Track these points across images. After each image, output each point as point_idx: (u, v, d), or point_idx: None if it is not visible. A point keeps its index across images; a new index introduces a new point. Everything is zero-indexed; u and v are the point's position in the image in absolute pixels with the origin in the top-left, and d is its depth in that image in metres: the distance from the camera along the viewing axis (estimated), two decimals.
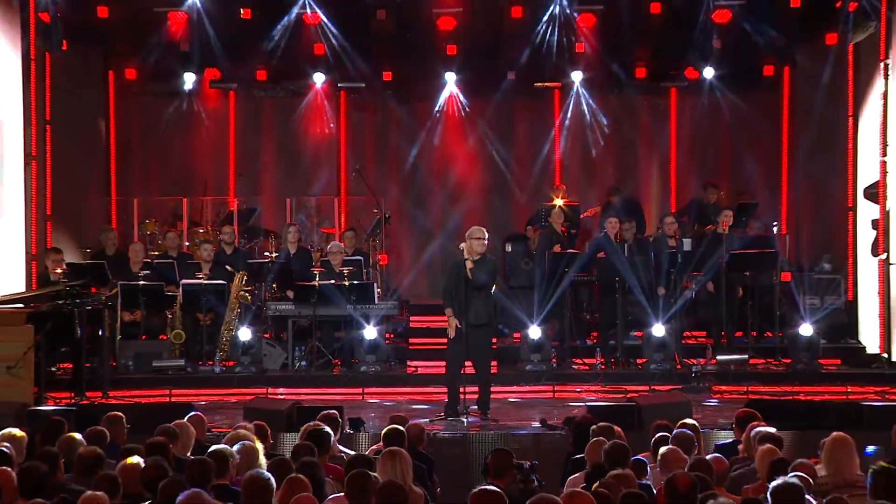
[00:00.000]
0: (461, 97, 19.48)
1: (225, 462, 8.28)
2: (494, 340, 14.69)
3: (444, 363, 13.63)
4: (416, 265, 19.27)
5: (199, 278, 15.92)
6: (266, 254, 16.89)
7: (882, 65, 16.12)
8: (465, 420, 12.99)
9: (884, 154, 16.06)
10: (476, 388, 13.37)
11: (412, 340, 16.78)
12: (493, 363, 14.20)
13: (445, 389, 13.51)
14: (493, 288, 13.56)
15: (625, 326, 16.02)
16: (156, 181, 19.86)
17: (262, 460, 8.81)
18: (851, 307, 16.88)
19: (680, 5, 17.06)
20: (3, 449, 8.69)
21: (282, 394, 14.62)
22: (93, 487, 7.32)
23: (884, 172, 16.04)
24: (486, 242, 13.25)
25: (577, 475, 8.83)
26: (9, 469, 7.83)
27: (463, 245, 13.15)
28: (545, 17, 17.50)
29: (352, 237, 17.41)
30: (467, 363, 13.35)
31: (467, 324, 13.13)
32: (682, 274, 15.97)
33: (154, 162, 20.04)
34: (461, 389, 13.26)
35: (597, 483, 7.70)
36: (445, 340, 13.51)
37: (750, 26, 17.41)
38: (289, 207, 19.14)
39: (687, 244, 16.55)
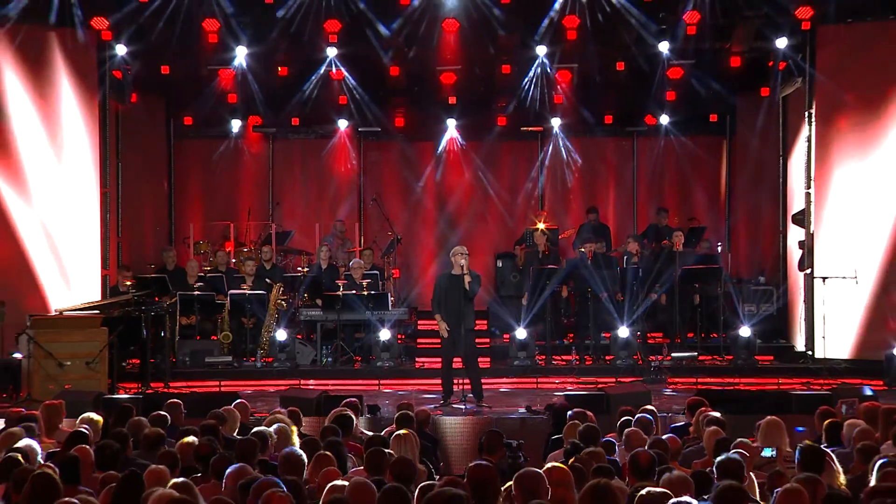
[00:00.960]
0: (460, 139, 19.51)
1: (265, 441, 8.31)
2: (487, 340, 14.76)
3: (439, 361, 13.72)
4: (422, 278, 19.26)
5: (244, 289, 15.98)
6: (299, 269, 16.93)
7: (806, 114, 16.10)
8: (463, 406, 13.03)
9: (808, 187, 16.05)
10: (468, 381, 13.36)
11: (420, 341, 16.73)
12: (487, 359, 14.18)
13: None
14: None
15: (596, 329, 16.01)
16: (208, 208, 19.85)
17: (296, 440, 8.83)
18: (782, 313, 16.86)
19: (640, 64, 17.04)
20: (83, 430, 8.73)
21: (312, 385, 14.66)
22: (156, 462, 7.32)
23: (808, 202, 16.04)
24: (467, 256, 13.27)
25: (556, 452, 8.84)
26: (87, 446, 7.85)
27: (462, 262, 13.16)
28: (529, 74, 17.51)
29: (369, 255, 17.45)
30: (457, 359, 13.41)
31: (464, 328, 13.16)
32: (648, 286, 15.95)
33: (206, 193, 20.05)
34: (457, 381, 13.31)
35: (573, 458, 7.71)
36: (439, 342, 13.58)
37: (698, 81, 17.43)
38: (317, 231, 19.13)
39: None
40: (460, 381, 13.30)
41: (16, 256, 15.36)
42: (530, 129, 19.50)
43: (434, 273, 18.56)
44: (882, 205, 15.34)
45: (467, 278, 13.03)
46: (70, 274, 15.79)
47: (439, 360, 13.81)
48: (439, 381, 13.66)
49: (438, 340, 13.54)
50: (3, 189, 15.28)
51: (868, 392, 12.35)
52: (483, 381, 13.60)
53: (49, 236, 15.64)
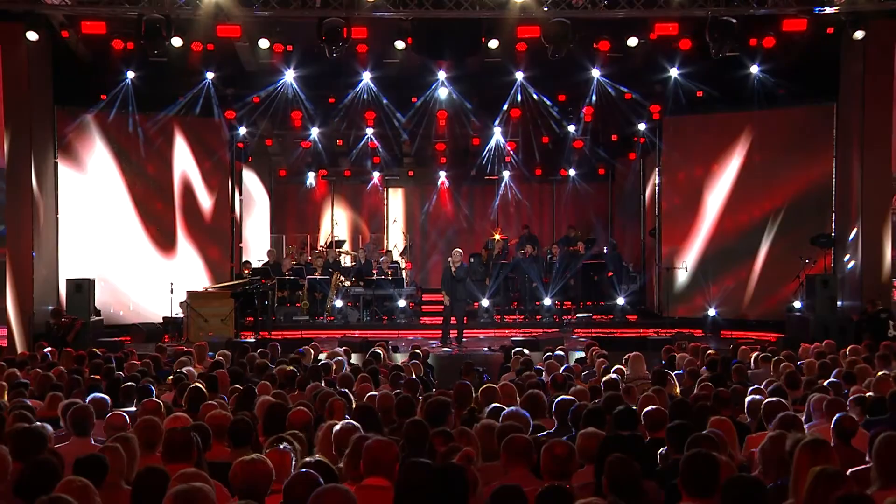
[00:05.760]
0: (448, 184, 19.50)
1: (329, 368, 8.36)
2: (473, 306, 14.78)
3: (441, 319, 13.74)
4: (424, 268, 19.27)
5: (316, 276, 15.96)
6: (349, 263, 16.89)
7: (656, 169, 16.23)
8: (450, 347, 13.07)
9: (657, 213, 16.18)
10: (455, 332, 13.42)
11: (423, 307, 16.67)
12: (466, 319, 14.21)
13: (440, 331, 13.60)
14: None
15: (530, 299, 16.02)
16: (295, 226, 19.80)
17: (347, 367, 8.89)
18: (643, 289, 16.83)
19: (557, 138, 17.14)
20: (220, 360, 8.76)
21: (357, 334, 14.59)
22: (262, 380, 7.38)
23: (658, 223, 16.18)
24: (461, 256, 13.34)
25: (506, 375, 8.90)
26: (223, 370, 7.90)
27: (450, 259, 13.25)
28: (490, 144, 17.52)
29: (391, 254, 17.45)
30: (453, 320, 13.44)
31: (456, 298, 13.22)
32: (562, 273, 15.97)
33: (293, 217, 19.99)
34: (450, 332, 13.33)
35: (517, 378, 7.77)
36: (441, 308, 13.62)
37: (592, 150, 17.46)
38: (360, 240, 19.15)
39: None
40: (450, 331, 13.36)
41: (180, 256, 15.49)
42: (491, 177, 19.46)
43: (431, 266, 18.75)
44: (702, 226, 15.49)
45: (454, 269, 13.18)
46: (211, 266, 15.87)
47: (438, 319, 13.86)
48: (438, 332, 13.73)
49: (435, 308, 13.61)
50: (172, 215, 15.37)
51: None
52: (464, 332, 13.64)
53: (200, 243, 15.75)
